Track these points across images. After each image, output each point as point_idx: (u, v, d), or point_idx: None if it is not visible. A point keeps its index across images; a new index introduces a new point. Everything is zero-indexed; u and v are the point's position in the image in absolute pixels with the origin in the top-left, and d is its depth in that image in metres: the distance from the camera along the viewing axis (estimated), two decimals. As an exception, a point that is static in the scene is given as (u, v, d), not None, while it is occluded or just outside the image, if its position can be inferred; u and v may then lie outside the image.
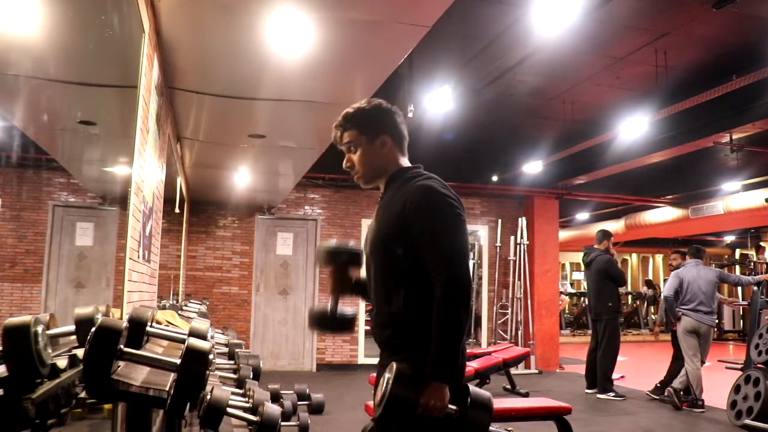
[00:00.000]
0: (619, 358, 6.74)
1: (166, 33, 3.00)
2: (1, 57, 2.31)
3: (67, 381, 1.54)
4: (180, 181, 5.83)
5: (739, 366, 5.83)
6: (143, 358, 1.57)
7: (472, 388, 1.67)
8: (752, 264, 13.97)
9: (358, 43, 3.12)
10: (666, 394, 5.97)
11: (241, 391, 2.90)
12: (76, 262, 5.32)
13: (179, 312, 3.99)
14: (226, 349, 3.78)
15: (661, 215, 11.13)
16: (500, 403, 3.93)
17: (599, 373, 6.49)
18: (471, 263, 11.02)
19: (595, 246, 6.85)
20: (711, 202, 9.95)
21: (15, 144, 3.19)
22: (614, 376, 6.75)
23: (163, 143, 3.68)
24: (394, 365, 1.56)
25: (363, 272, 1.88)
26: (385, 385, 1.56)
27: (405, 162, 1.85)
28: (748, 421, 4.65)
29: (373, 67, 3.48)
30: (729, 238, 16.19)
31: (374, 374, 1.90)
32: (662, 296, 6.28)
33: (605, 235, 6.91)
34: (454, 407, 1.61)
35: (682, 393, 5.74)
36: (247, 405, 2.63)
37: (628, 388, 6.90)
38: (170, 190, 4.85)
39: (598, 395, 6.40)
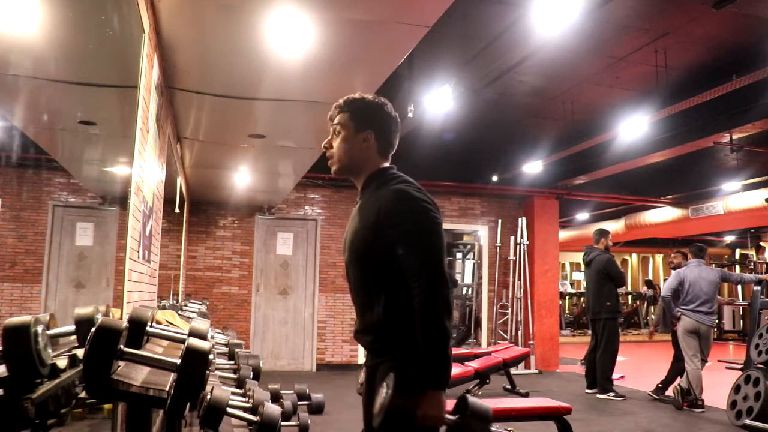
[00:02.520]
0: (619, 358, 6.74)
1: (166, 33, 3.00)
2: (1, 57, 2.31)
3: (67, 381, 1.54)
4: (180, 181, 5.82)
5: (739, 366, 5.82)
6: (143, 358, 1.57)
7: (470, 397, 1.65)
8: (752, 264, 13.98)
9: (358, 43, 3.12)
10: (672, 392, 5.95)
11: (241, 391, 2.90)
12: (76, 262, 5.32)
13: (179, 312, 3.98)
14: (226, 349, 3.77)
15: (661, 215, 11.13)
16: (500, 403, 3.94)
17: (599, 373, 6.49)
18: (470, 263, 11.03)
19: (594, 245, 6.85)
20: (711, 202, 9.95)
21: (15, 144, 3.20)
22: (614, 376, 6.75)
23: (163, 143, 3.68)
24: (392, 375, 1.55)
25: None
26: (384, 396, 1.55)
27: (384, 165, 1.82)
28: (748, 421, 4.65)
29: (373, 67, 3.47)
30: (729, 238, 16.19)
31: None
32: (660, 296, 6.28)
33: (602, 233, 6.92)
34: (451, 417, 1.59)
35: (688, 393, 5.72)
36: (247, 405, 2.62)
37: (628, 388, 6.90)
38: (170, 190, 4.85)
39: (598, 395, 6.40)
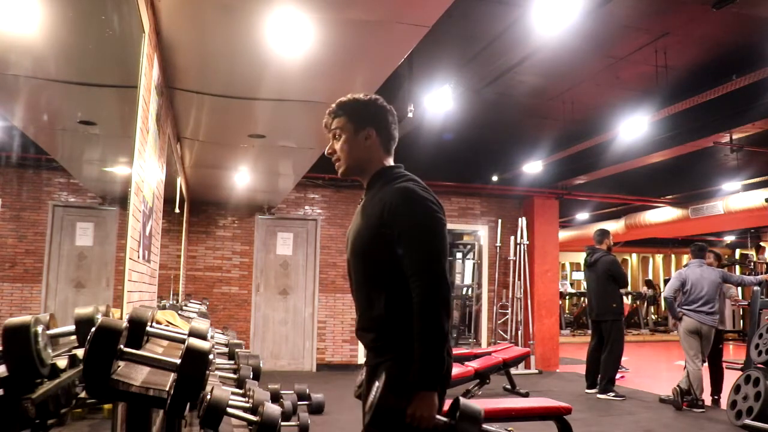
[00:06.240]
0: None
1: (166, 33, 3.00)
2: (1, 57, 2.31)
3: (67, 381, 1.54)
4: (180, 181, 5.82)
5: (739, 366, 5.83)
6: (143, 358, 1.57)
7: (463, 400, 1.64)
8: (752, 264, 13.97)
9: (358, 43, 3.12)
10: (672, 393, 5.94)
11: (241, 391, 2.90)
12: (76, 262, 5.32)
13: (179, 312, 3.98)
14: (226, 349, 3.77)
15: (661, 215, 11.13)
16: (500, 403, 3.94)
17: (602, 374, 6.47)
18: (470, 263, 11.03)
19: (597, 246, 6.84)
20: (711, 202, 9.95)
21: (15, 144, 3.19)
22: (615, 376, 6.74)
23: (163, 143, 3.68)
24: (384, 374, 1.55)
25: None
26: (375, 392, 1.54)
27: (389, 162, 1.83)
28: (748, 421, 4.65)
29: (373, 67, 3.47)
30: (729, 238, 16.18)
31: None
32: (662, 297, 6.28)
33: (604, 234, 6.91)
34: (443, 418, 1.58)
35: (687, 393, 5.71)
36: (247, 405, 2.62)
37: (628, 389, 6.90)
38: (170, 190, 4.85)
39: (599, 395, 6.39)
